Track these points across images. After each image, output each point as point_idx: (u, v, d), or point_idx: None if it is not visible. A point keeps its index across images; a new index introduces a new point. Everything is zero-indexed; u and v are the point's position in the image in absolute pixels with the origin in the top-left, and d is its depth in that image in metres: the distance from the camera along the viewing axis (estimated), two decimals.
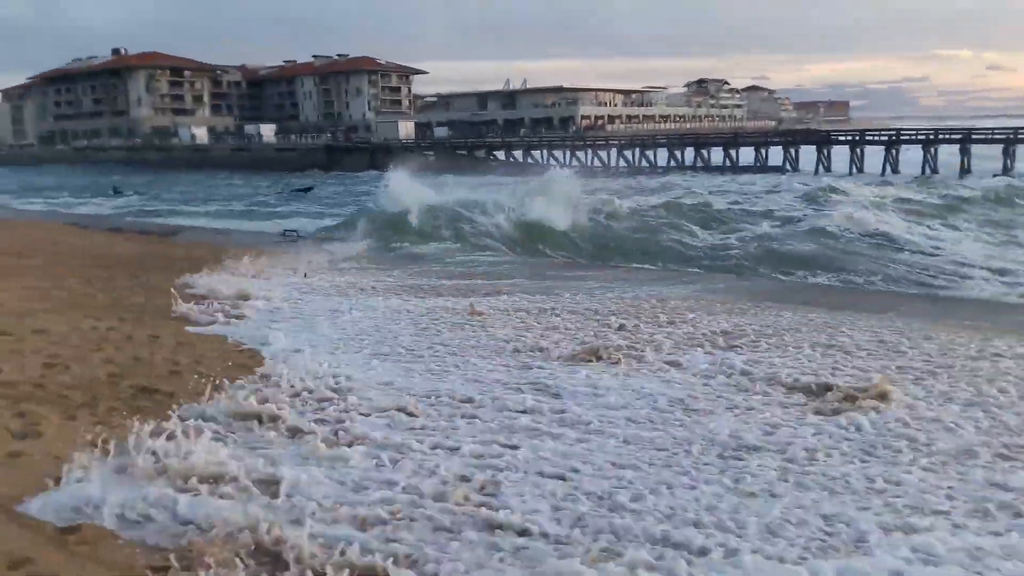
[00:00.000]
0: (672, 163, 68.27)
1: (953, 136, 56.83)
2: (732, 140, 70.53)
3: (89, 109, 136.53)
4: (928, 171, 54.33)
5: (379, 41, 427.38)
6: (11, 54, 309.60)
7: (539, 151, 76.49)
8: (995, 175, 49.44)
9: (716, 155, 67.61)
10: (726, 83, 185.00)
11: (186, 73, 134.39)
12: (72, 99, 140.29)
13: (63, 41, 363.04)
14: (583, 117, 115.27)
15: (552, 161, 74.17)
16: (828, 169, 59.82)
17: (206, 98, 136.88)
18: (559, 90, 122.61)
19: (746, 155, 65.83)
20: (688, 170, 65.59)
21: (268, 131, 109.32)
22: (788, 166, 62.81)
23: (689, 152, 68.99)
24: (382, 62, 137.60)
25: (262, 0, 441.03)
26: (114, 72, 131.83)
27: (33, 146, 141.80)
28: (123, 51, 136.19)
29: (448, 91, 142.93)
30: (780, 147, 65.70)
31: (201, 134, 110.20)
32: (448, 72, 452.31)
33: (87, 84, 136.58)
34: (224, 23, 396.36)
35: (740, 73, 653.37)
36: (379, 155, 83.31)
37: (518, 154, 76.65)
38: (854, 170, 58.13)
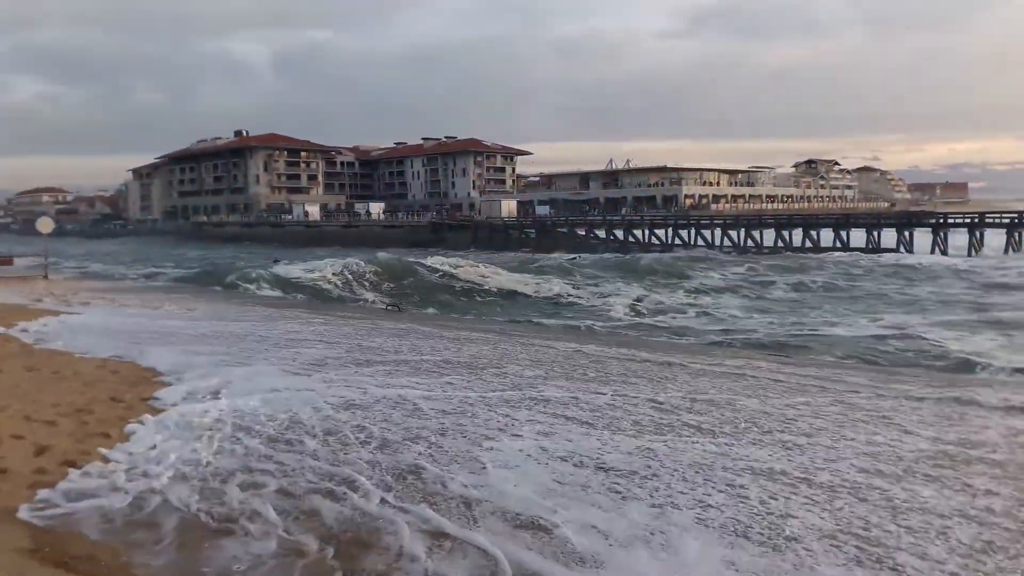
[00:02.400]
0: (779, 243, 66.06)
1: None
2: (843, 221, 67.93)
3: (210, 187, 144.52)
4: None
5: (486, 122, 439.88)
6: (146, 137, 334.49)
7: (640, 230, 75.56)
8: None
9: (826, 236, 65.11)
10: (836, 163, 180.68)
11: (302, 154, 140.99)
12: (195, 177, 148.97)
13: (191, 124, 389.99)
14: (687, 196, 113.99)
15: (654, 239, 73.17)
16: (944, 252, 56.71)
17: (320, 177, 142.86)
18: (663, 169, 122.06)
19: (857, 238, 63.15)
20: (789, 250, 63.28)
21: (377, 208, 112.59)
22: (902, 248, 59.79)
23: (797, 233, 66.65)
24: (487, 143, 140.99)
25: (376, 85, 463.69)
26: (235, 152, 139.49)
27: (156, 220, 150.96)
28: (244, 132, 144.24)
29: (551, 171, 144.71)
30: (893, 229, 62.73)
31: (314, 211, 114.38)
32: (552, 152, 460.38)
33: (210, 163, 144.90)
34: (339, 107, 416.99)
35: (852, 153, 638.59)
36: (482, 233, 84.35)
37: (619, 233, 75.93)
38: (972, 252, 54.89)
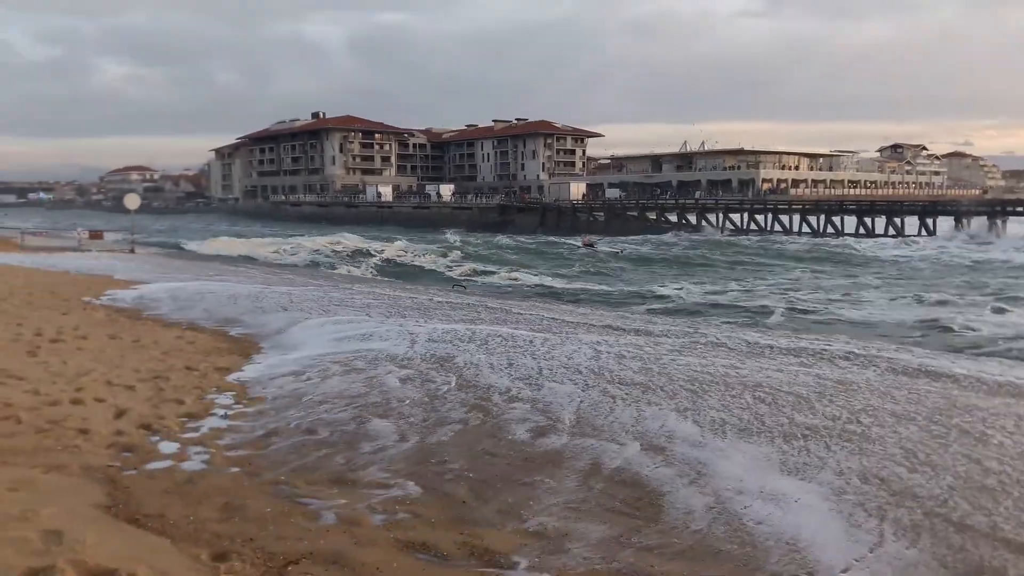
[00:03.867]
0: (861, 230, 64.06)
1: None
2: (930, 208, 65.54)
3: (288, 167, 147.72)
4: None
5: (556, 104, 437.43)
6: (227, 118, 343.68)
7: (714, 214, 74.21)
8: None
9: (911, 224, 62.92)
10: (924, 148, 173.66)
11: (376, 135, 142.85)
12: (274, 157, 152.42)
13: (270, 105, 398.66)
14: (764, 180, 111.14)
15: (728, 224, 71.80)
16: None
17: (393, 159, 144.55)
18: (739, 152, 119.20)
19: (945, 225, 60.90)
20: (870, 237, 61.28)
21: (447, 190, 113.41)
22: (995, 236, 57.32)
23: (880, 220, 64.52)
24: (558, 125, 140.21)
25: (447, 67, 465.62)
26: (312, 133, 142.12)
27: (237, 200, 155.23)
28: (322, 114, 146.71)
29: (622, 153, 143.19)
30: (985, 216, 60.18)
31: (386, 192, 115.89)
32: (624, 134, 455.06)
33: (288, 144, 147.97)
34: (412, 88, 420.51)
35: (941, 139, 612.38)
36: (550, 215, 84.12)
37: (692, 217, 74.71)
38: None
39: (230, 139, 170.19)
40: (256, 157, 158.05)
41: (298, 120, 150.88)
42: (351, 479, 6.54)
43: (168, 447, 7.20)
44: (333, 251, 53.65)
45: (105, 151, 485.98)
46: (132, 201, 41.85)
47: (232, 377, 10.43)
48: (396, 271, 42.91)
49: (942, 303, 26.86)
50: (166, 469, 6.60)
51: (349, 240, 59.05)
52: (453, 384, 9.69)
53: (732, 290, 33.08)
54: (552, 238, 67.81)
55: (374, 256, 50.26)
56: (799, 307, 26.78)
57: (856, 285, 34.47)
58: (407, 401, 8.97)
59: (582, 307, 23.62)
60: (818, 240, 61.33)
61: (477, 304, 19.84)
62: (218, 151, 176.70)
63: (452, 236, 70.13)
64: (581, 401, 8.82)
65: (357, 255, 51.14)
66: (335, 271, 39.47)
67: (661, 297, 30.92)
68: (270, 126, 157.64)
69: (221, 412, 8.59)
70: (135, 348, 12.28)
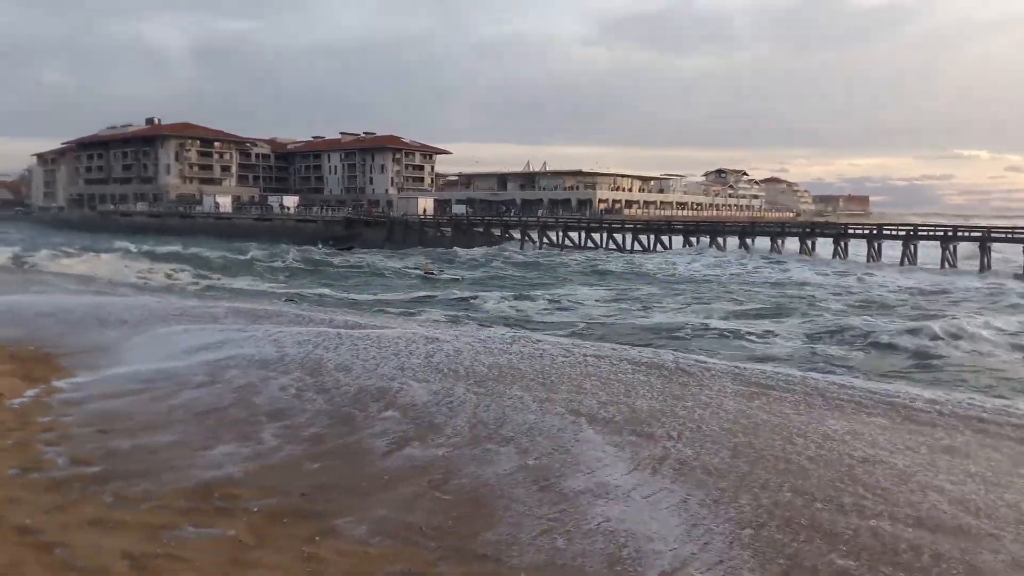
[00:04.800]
0: (687, 247, 67.68)
1: (973, 234, 56.03)
2: (748, 229, 70.03)
3: (119, 175, 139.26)
4: (947, 266, 53.47)
5: (404, 120, 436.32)
6: (51, 121, 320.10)
7: (555, 231, 76.28)
8: (1017, 274, 48.61)
9: (732, 243, 67.02)
10: (745, 173, 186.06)
11: (216, 144, 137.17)
12: (103, 164, 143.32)
13: (101, 110, 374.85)
14: (601, 201, 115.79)
15: (567, 241, 73.93)
16: (844, 259, 59.14)
17: (234, 169, 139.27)
18: (578, 174, 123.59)
19: (762, 245, 65.22)
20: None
21: (291, 202, 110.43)
22: (805, 256, 61.97)
23: (704, 239, 68.42)
24: (407, 140, 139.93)
25: (294, 78, 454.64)
26: (146, 140, 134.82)
27: (62, 209, 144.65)
28: (157, 120, 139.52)
29: (470, 171, 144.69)
30: (797, 237, 64.99)
31: (225, 203, 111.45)
32: (471, 152, 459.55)
33: (119, 151, 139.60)
34: (256, 98, 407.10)
35: (760, 165, 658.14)
36: (397, 230, 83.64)
37: (534, 234, 76.45)
38: (871, 261, 57.31)
39: (56, 144, 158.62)
40: (84, 164, 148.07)
41: (131, 126, 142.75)
42: (115, 519, 6.17)
43: None
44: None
45: None
46: None
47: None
48: None
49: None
50: None
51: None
52: None
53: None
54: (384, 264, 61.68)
55: None
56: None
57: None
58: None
59: None
60: (641, 258, 63.76)
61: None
62: (41, 156, 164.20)
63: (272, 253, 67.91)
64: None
65: None
66: None
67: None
68: (100, 131, 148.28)
69: None
70: None
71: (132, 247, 63.60)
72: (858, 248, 60.18)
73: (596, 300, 36.87)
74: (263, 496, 6.64)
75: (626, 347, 16.25)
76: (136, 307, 19.12)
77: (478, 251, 69.56)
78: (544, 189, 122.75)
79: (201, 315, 17.93)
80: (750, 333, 25.32)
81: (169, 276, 47.80)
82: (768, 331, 25.89)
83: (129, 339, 14.74)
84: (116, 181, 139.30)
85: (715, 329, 26.29)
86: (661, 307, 34.16)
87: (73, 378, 11.54)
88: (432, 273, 50.87)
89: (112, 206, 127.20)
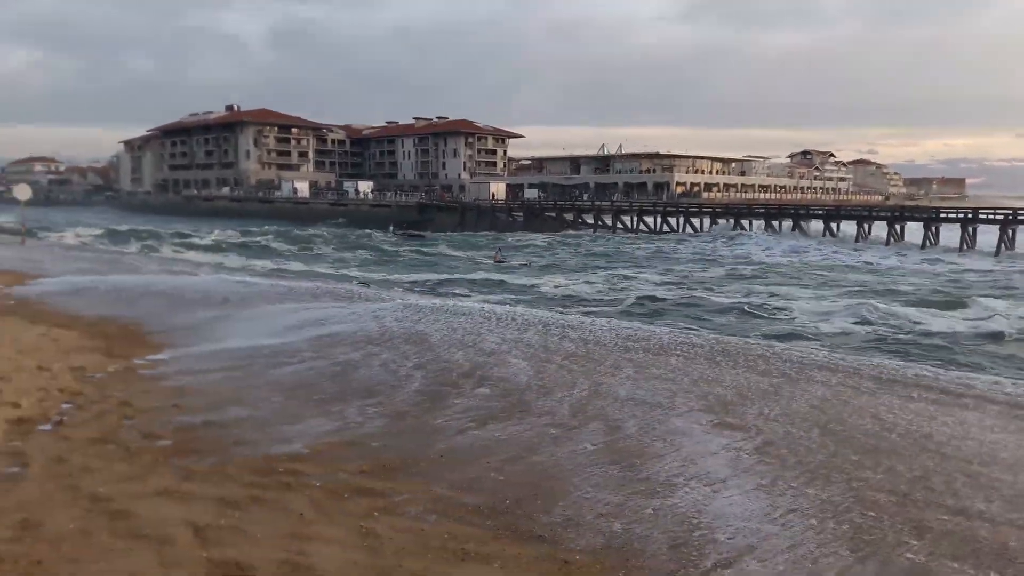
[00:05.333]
0: (769, 232, 65.92)
1: None
2: (833, 212, 67.81)
3: (201, 160, 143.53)
4: None
5: (479, 104, 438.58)
6: (138, 108, 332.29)
7: (629, 216, 75.28)
8: None
9: (816, 228, 65.03)
10: (832, 155, 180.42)
11: (293, 130, 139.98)
12: (186, 151, 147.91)
13: (183, 96, 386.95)
14: (678, 184, 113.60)
15: (642, 226, 72.90)
16: (934, 245, 56.73)
17: (311, 154, 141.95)
18: (655, 156, 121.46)
19: (848, 230, 63.09)
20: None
21: (365, 187, 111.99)
22: (892, 241, 59.67)
23: (787, 223, 66.53)
24: (480, 125, 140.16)
25: (368, 63, 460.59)
26: (226, 126, 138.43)
27: (149, 193, 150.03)
28: (236, 107, 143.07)
29: (543, 154, 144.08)
30: (884, 222, 62.58)
31: (303, 188, 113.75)
32: (544, 136, 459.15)
33: (201, 137, 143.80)
34: (331, 83, 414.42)
35: (847, 146, 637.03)
36: (469, 215, 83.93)
37: (608, 218, 75.63)
38: (965, 247, 54.75)
39: (141, 130, 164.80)
40: (168, 150, 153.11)
41: (212, 113, 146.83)
42: (183, 491, 6.13)
43: None
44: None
45: (7, 141, 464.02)
46: (23, 192, 39.74)
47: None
48: None
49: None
50: None
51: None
52: None
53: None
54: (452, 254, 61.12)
55: None
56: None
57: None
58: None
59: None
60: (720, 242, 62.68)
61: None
62: (128, 143, 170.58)
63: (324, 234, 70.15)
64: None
65: None
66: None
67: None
68: (183, 118, 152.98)
69: (57, 418, 8.05)
70: None
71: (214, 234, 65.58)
72: (950, 234, 57.64)
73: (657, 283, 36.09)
74: (327, 472, 6.54)
75: (733, 337, 15.67)
76: (232, 288, 19.47)
77: (549, 236, 69.24)
78: (619, 172, 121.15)
79: (285, 295, 18.13)
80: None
81: (248, 256, 49.51)
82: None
83: (223, 317, 14.90)
84: (199, 167, 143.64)
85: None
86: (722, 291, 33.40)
87: (158, 354, 11.69)
88: (503, 260, 50.96)
89: (195, 191, 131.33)
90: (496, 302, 25.39)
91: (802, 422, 7.75)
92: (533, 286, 35.79)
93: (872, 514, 5.61)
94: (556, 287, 35.20)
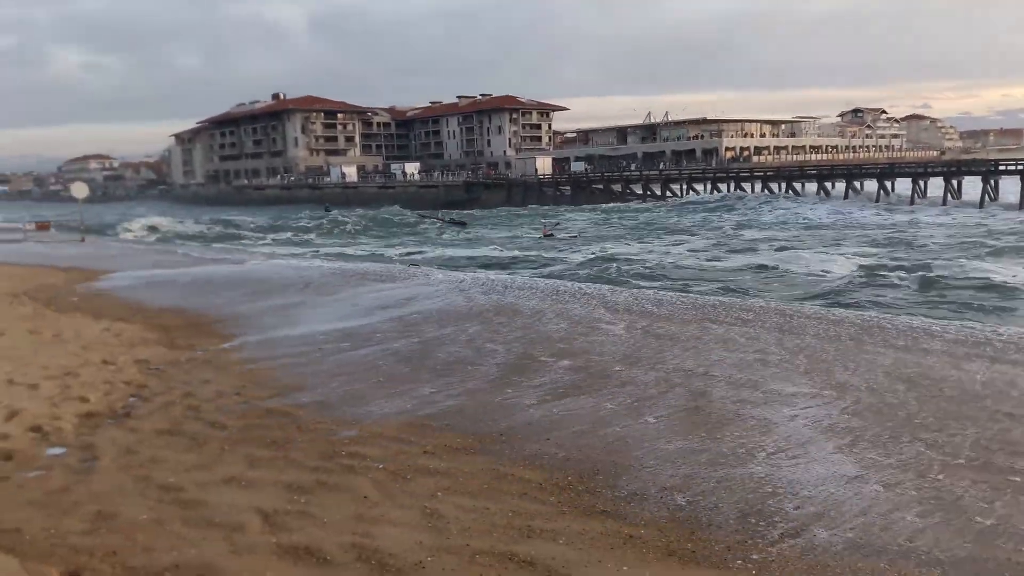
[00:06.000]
0: (821, 194, 64.41)
1: None
2: (887, 171, 65.93)
3: (250, 150, 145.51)
4: None
5: (521, 78, 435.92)
6: (186, 102, 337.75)
7: (678, 184, 74.26)
8: None
9: (869, 187, 63.35)
10: (883, 112, 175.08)
11: (339, 115, 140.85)
12: (235, 141, 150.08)
13: (229, 88, 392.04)
14: (727, 149, 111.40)
15: (692, 193, 71.88)
16: (994, 200, 54.77)
17: (357, 138, 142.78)
18: (702, 122, 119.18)
19: (903, 187, 61.30)
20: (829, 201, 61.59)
21: (412, 169, 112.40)
22: (950, 197, 57.83)
23: (840, 184, 64.91)
24: (523, 100, 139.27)
25: (408, 44, 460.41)
26: (274, 115, 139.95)
27: (201, 185, 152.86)
28: (282, 96, 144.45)
29: (588, 126, 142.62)
30: (941, 178, 60.63)
31: (351, 173, 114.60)
32: (589, 107, 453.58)
33: (249, 127, 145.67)
34: (373, 66, 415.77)
35: (901, 102, 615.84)
36: (515, 191, 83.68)
37: (656, 187, 74.71)
38: None
39: (190, 124, 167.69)
40: (217, 141, 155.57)
41: (258, 102, 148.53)
42: (250, 478, 6.21)
43: (53, 451, 6.83)
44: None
45: (63, 140, 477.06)
46: (79, 190, 40.77)
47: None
48: None
49: None
50: (39, 478, 6.22)
51: None
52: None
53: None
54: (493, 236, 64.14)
55: None
56: None
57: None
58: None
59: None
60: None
61: None
62: (178, 136, 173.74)
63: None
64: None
65: None
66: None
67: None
68: (230, 109, 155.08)
69: (123, 410, 8.22)
70: (54, 343, 11.82)
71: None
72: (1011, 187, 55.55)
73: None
74: (390, 454, 6.56)
75: (834, 308, 15.42)
76: (309, 274, 19.91)
77: (598, 208, 68.80)
78: (666, 140, 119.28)
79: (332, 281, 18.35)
80: None
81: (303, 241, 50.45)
82: None
83: (286, 304, 15.17)
84: (248, 156, 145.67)
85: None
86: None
87: (229, 342, 11.87)
88: (551, 234, 50.87)
89: (246, 181, 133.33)
90: (546, 275, 25.39)
91: (889, 384, 7.59)
92: (588, 260, 35.57)
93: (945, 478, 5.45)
94: (608, 259, 34.85)
